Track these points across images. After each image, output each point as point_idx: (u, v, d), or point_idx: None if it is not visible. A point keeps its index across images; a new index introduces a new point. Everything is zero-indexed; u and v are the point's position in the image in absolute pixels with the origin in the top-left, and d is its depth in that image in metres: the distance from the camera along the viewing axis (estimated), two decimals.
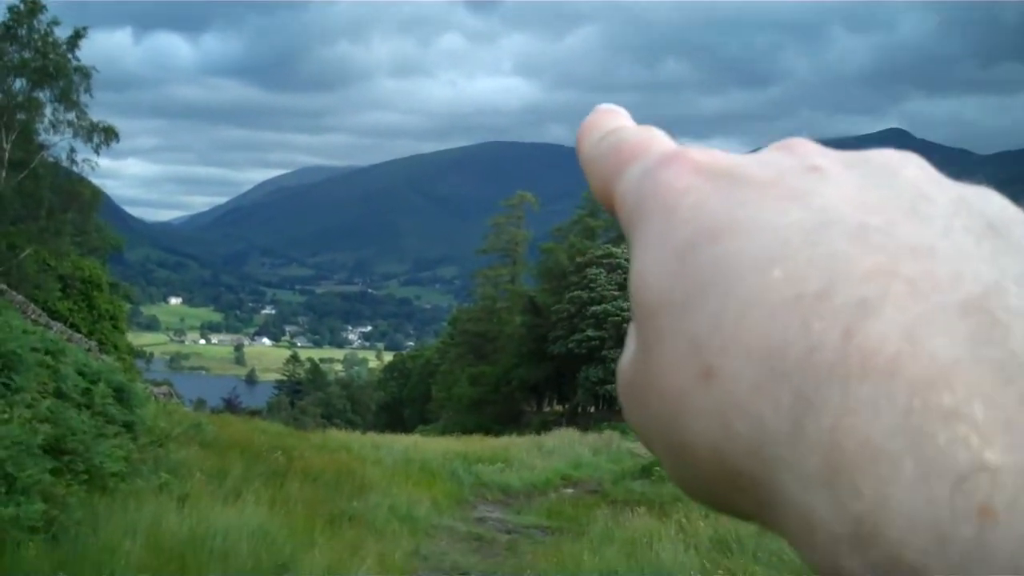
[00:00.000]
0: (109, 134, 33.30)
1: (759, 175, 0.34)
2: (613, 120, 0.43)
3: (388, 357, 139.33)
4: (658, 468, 18.44)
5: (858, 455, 0.25)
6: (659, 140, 0.39)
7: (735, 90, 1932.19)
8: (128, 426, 9.74)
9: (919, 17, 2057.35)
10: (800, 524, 0.27)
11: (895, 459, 0.25)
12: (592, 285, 47.89)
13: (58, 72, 31.71)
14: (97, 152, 33.17)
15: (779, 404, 0.28)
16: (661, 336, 0.32)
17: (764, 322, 0.29)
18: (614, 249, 48.80)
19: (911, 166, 0.34)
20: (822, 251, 0.30)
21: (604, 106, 0.45)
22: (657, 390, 0.32)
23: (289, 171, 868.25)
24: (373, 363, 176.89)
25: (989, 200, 0.33)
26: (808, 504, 0.26)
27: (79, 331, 24.72)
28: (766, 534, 9.30)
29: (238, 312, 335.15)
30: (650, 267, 0.33)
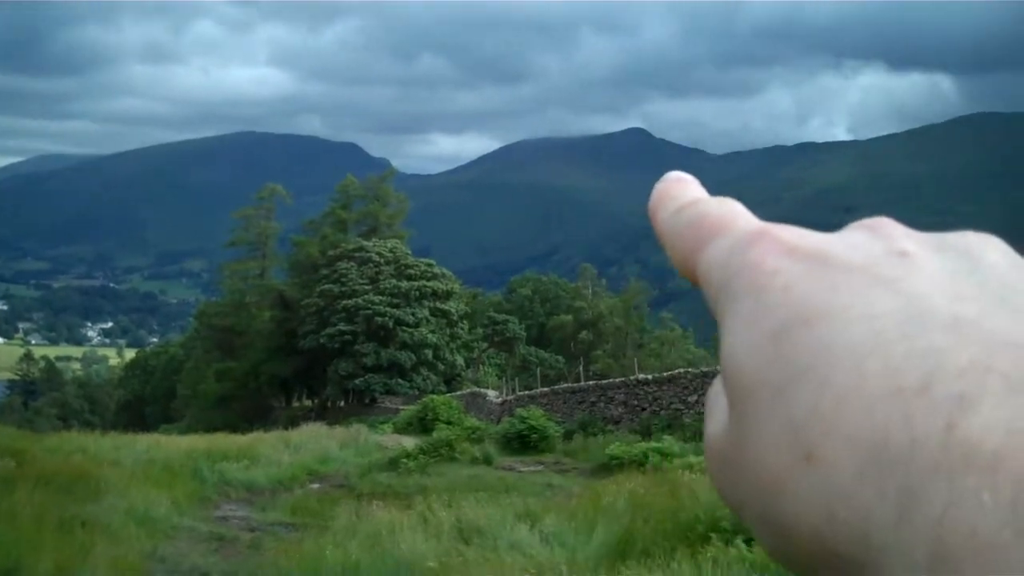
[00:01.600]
0: None
1: (848, 259, 0.34)
2: (687, 190, 0.43)
3: (130, 354, 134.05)
4: (404, 460, 18.67)
5: (965, 546, 0.26)
6: (742, 216, 0.40)
7: (489, 87, 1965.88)
8: None
9: (662, 22, 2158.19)
10: None
11: (1003, 551, 0.26)
12: (343, 279, 47.56)
13: None
14: None
15: (884, 493, 0.28)
16: (759, 416, 0.32)
17: (864, 412, 0.30)
18: (365, 243, 48.74)
19: (993, 251, 0.35)
20: (918, 345, 0.30)
21: (674, 174, 0.45)
22: (755, 467, 0.33)
23: (25, 158, 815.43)
24: (114, 361, 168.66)
25: None
26: None
27: None
28: (507, 526, 9.74)
29: None
30: (744, 347, 0.34)
